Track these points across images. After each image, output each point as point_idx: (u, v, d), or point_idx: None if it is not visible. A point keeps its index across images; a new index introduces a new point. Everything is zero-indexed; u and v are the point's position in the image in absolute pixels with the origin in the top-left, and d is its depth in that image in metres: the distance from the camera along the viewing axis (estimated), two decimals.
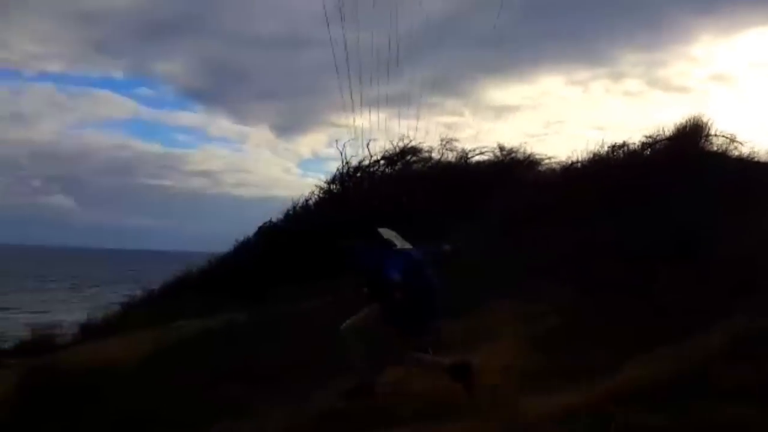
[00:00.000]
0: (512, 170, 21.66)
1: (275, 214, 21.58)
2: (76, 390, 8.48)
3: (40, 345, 13.84)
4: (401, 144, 23.33)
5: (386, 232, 5.40)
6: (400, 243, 5.28)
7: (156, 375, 8.90)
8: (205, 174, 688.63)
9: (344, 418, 5.65)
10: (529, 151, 22.37)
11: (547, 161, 21.80)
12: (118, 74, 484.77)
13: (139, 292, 20.65)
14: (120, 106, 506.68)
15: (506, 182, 19.24)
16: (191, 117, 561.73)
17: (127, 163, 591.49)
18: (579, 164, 17.01)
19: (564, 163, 18.62)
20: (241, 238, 22.03)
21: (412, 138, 23.42)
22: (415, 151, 24.02)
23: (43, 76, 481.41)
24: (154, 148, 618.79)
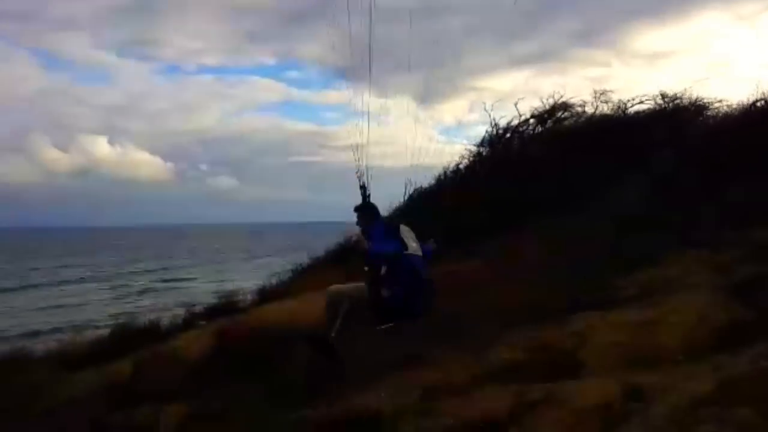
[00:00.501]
0: (677, 117, 20.03)
1: (424, 181, 21.69)
2: (260, 346, 9.08)
3: (225, 308, 15.15)
4: (551, 101, 22.38)
5: (405, 232, 5.35)
6: (414, 248, 5.24)
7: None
8: (352, 148, 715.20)
9: (528, 368, 5.57)
10: (694, 96, 20.53)
11: (717, 105, 19.93)
12: (269, 61, 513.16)
13: (306, 259, 21.86)
14: (273, 90, 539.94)
15: (672, 130, 17.84)
16: (336, 94, 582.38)
17: (282, 143, 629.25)
18: (763, 104, 15.28)
19: (742, 105, 16.84)
20: (393, 206, 22.49)
21: (561, 94, 22.40)
22: (566, 106, 22.87)
23: (203, 69, 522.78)
24: (306, 126, 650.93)
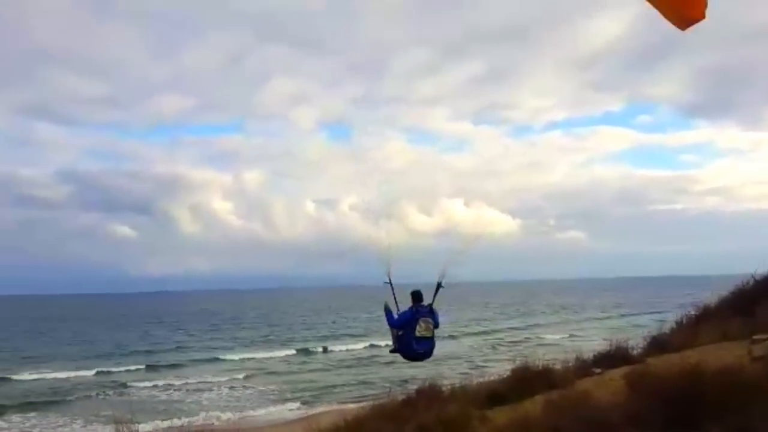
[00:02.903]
0: None
1: None
2: (685, 394, 8.42)
3: (616, 356, 14.79)
4: None
5: (421, 322, 7.86)
6: (422, 333, 7.92)
7: None
8: (718, 191, 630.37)
9: None
10: None
11: None
12: (615, 107, 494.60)
13: (691, 311, 20.33)
14: (621, 137, 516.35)
15: None
16: (695, 134, 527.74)
17: (634, 192, 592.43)
18: None
19: None
20: None
21: None
22: None
23: (550, 125, 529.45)
24: (660, 173, 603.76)
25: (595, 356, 15.65)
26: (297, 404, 28.69)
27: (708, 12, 4.23)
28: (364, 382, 34.97)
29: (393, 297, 8.10)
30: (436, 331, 8.06)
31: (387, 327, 8.33)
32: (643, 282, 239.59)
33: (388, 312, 8.09)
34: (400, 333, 8.01)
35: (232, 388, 35.01)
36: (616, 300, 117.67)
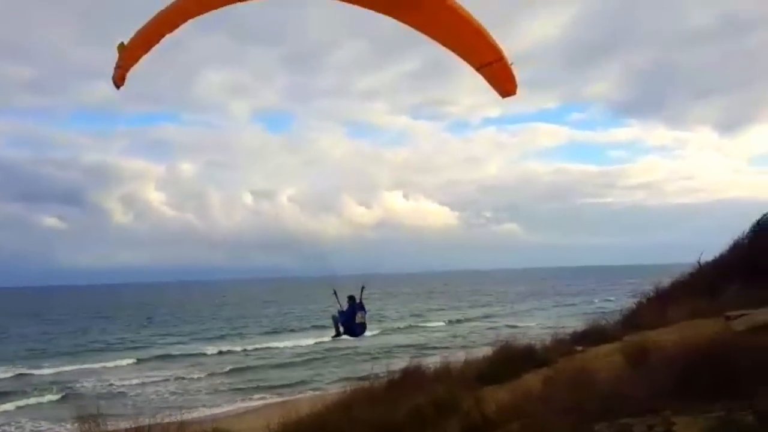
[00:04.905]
0: None
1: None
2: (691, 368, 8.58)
3: (594, 334, 15.49)
4: None
5: (358, 314, 10.83)
6: (359, 320, 10.85)
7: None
8: (644, 186, 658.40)
9: None
10: None
11: None
12: (550, 105, 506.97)
13: (644, 295, 21.24)
14: (554, 134, 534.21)
15: None
16: (625, 132, 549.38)
17: (565, 187, 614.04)
18: None
19: None
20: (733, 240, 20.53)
21: None
22: None
23: (486, 121, 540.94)
24: (590, 168, 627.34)
25: (572, 335, 16.16)
26: (266, 395, 28.02)
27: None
28: (330, 376, 34.01)
29: (338, 302, 11.07)
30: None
31: (330, 321, 11.56)
32: (579, 272, 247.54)
33: (336, 319, 11.36)
34: (346, 323, 11.41)
35: (187, 384, 34.04)
36: (561, 288, 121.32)
